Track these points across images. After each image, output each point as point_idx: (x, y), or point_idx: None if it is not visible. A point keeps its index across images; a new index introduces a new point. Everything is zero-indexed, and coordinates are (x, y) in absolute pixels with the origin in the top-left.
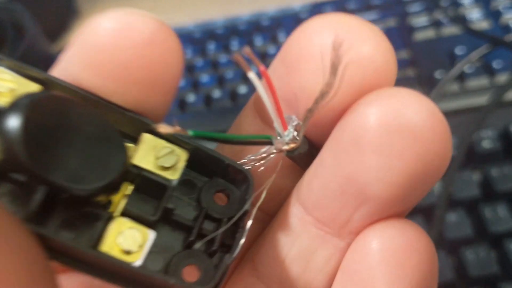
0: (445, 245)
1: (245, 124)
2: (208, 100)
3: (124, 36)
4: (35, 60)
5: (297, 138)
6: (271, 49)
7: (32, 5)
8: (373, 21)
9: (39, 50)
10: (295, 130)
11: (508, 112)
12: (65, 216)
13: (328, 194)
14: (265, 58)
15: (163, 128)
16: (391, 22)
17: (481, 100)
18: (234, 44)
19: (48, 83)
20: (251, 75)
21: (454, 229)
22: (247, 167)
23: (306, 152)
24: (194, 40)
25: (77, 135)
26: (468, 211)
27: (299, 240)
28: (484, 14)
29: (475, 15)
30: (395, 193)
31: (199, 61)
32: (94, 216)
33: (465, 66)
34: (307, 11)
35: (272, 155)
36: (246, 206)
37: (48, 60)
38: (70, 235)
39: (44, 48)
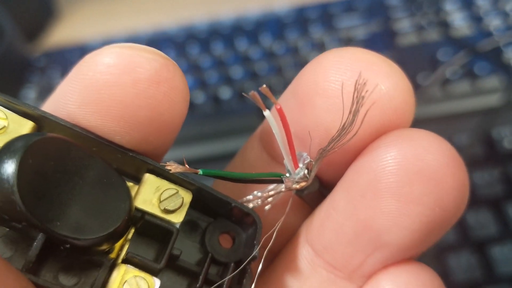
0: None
1: (251, 157)
2: (190, 105)
3: (126, 73)
4: (14, 61)
5: (308, 176)
6: (254, 52)
7: (10, 6)
8: (356, 26)
9: (18, 52)
10: (306, 168)
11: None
12: (65, 263)
13: (341, 238)
14: (248, 61)
15: (173, 167)
16: (374, 27)
17: (463, 104)
18: (217, 48)
19: (41, 120)
20: (267, 113)
21: (479, 227)
22: (253, 205)
23: (316, 191)
24: (176, 43)
25: (77, 180)
26: (491, 209)
27: (308, 283)
28: (466, 19)
29: (457, 21)
30: (412, 239)
31: (181, 64)
32: (96, 263)
33: (447, 71)
34: (290, 15)
35: (280, 193)
36: (255, 252)
37: (26, 62)
38: (71, 283)
39: (22, 50)
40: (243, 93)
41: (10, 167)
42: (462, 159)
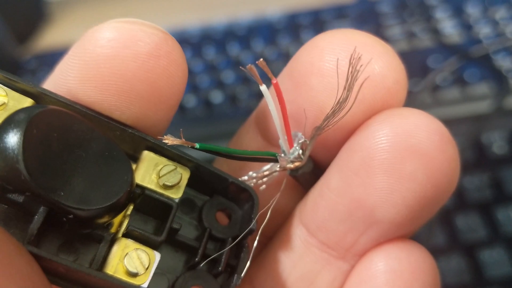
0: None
1: (246, 140)
2: (181, 109)
3: (127, 47)
4: (4, 64)
5: (302, 156)
6: (245, 57)
7: (1, 8)
8: None
9: (9, 54)
10: (301, 148)
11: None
12: (65, 238)
13: (334, 217)
14: (240, 66)
15: (170, 140)
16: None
17: (454, 111)
18: (209, 52)
19: (41, 98)
20: (263, 88)
21: (468, 231)
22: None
23: (310, 172)
24: None
25: (79, 153)
26: (481, 213)
27: (302, 262)
28: (456, 27)
29: (448, 28)
30: (405, 215)
31: None
32: (96, 238)
33: (437, 78)
34: (282, 21)
35: (275, 173)
36: (252, 225)
37: (17, 64)
38: (72, 258)
39: (13, 52)
40: (240, 67)
41: (15, 137)
42: (451, 136)
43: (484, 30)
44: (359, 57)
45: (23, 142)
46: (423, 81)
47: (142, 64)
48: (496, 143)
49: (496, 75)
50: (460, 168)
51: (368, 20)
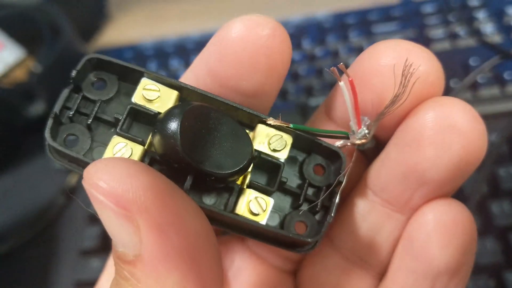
0: (494, 230)
1: (318, 124)
2: None
3: (251, 31)
4: (71, 59)
5: (368, 135)
6: (295, 55)
7: (66, 7)
8: (393, 32)
9: (75, 50)
10: (367, 129)
11: None
12: (205, 192)
13: (393, 180)
14: (291, 64)
15: (272, 121)
16: (410, 33)
17: (492, 108)
18: None
19: (182, 89)
20: (342, 84)
21: (503, 216)
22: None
23: (373, 147)
24: None
25: (216, 134)
26: None
27: (369, 216)
28: (497, 28)
29: (488, 29)
30: (446, 177)
31: None
32: (228, 189)
33: (478, 76)
34: (330, 20)
35: (346, 147)
36: (340, 176)
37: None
38: (211, 203)
39: (79, 48)
40: (325, 69)
41: (175, 127)
42: (480, 117)
43: None
44: (411, 64)
45: (180, 131)
46: (464, 79)
47: (264, 42)
48: None
49: None
50: (487, 141)
51: (412, 20)
